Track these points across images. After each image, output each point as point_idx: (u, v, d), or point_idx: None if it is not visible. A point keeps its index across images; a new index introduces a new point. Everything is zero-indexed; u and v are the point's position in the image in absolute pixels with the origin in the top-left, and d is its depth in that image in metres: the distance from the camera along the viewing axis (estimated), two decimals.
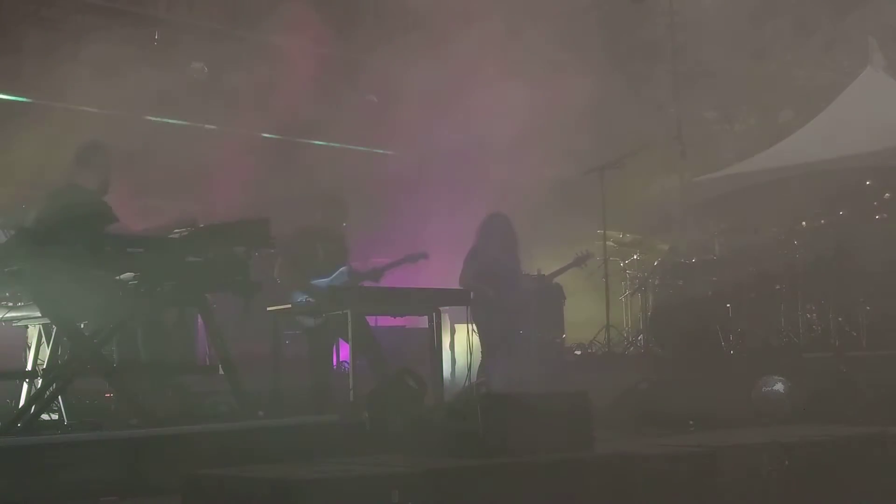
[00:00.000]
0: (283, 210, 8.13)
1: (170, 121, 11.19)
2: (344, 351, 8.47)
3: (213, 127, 11.34)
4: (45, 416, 5.66)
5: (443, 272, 8.94)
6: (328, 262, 7.70)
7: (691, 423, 6.64)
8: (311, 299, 7.38)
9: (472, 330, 8.48)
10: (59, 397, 5.69)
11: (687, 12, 12.43)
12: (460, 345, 10.15)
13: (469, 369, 8.45)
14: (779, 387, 7.07)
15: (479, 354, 8.62)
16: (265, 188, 10.20)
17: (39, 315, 5.76)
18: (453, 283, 8.48)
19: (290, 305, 7.34)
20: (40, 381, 5.83)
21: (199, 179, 9.70)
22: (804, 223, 9.19)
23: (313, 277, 7.51)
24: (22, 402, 5.90)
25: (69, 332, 5.56)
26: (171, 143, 10.70)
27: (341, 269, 7.75)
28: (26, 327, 6.28)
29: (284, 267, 7.62)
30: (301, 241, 7.74)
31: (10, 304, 5.76)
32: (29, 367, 6.11)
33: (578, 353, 10.27)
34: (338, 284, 7.46)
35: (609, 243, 9.81)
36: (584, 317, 10.53)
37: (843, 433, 5.17)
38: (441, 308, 7.42)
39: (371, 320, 9.83)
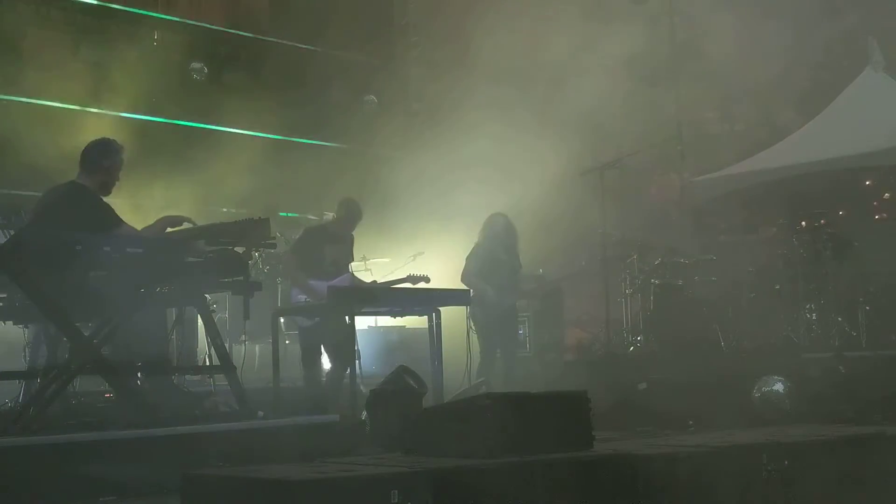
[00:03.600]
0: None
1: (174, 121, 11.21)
2: None
3: (219, 127, 11.36)
4: (45, 416, 5.64)
5: (443, 272, 8.93)
6: (334, 265, 7.69)
7: (691, 423, 6.65)
8: (309, 299, 7.38)
9: (471, 329, 8.46)
10: (59, 397, 5.68)
11: (687, 12, 12.42)
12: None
13: (468, 369, 8.42)
14: (779, 387, 7.07)
15: (479, 354, 8.61)
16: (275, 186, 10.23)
17: (39, 315, 5.75)
18: (453, 284, 8.47)
19: (291, 305, 7.35)
20: (40, 381, 5.81)
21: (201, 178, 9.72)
22: (804, 223, 9.17)
23: (316, 278, 7.49)
24: (22, 402, 5.89)
25: (69, 333, 5.55)
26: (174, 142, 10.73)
27: (345, 276, 7.73)
28: (26, 327, 6.27)
29: (289, 263, 7.62)
30: (310, 240, 7.74)
31: (10, 303, 5.76)
32: (29, 368, 6.10)
33: (579, 353, 10.25)
34: None
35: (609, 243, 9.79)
36: (584, 317, 10.53)
37: (843, 433, 5.17)
38: (441, 308, 7.41)
39: (371, 320, 9.85)
